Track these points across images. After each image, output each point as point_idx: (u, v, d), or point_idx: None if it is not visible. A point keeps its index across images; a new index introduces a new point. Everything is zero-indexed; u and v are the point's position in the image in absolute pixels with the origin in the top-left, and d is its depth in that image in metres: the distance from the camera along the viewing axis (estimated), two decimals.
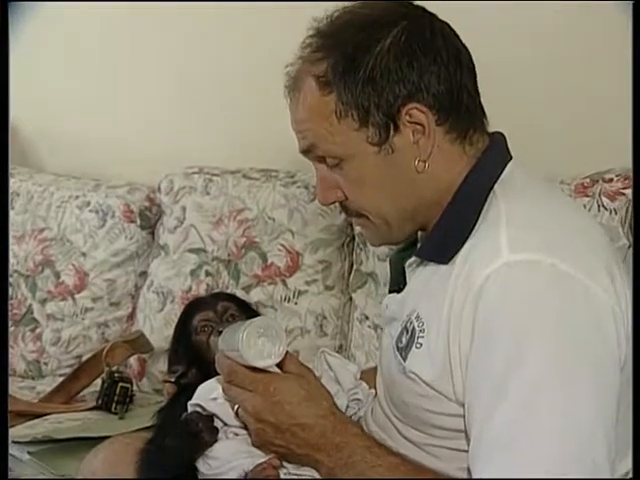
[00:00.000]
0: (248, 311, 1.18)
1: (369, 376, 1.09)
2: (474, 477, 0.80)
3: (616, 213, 1.31)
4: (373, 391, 1.05)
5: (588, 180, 1.37)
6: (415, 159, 0.91)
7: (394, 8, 0.93)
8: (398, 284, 1.01)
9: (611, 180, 1.34)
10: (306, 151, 0.96)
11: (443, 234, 0.91)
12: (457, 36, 0.94)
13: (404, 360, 0.90)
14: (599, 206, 1.32)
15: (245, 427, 0.94)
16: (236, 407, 0.94)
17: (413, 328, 0.90)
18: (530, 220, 0.86)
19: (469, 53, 0.94)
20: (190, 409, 1.00)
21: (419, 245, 1.00)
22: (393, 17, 0.91)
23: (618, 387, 0.80)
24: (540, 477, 0.75)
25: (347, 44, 0.90)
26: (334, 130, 0.91)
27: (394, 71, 0.89)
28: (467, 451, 0.85)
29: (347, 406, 1.01)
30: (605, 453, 0.77)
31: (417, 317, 0.90)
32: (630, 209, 1.29)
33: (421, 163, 0.91)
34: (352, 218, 1.02)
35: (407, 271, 0.99)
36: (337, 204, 0.99)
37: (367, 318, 1.57)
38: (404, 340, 0.91)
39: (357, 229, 1.61)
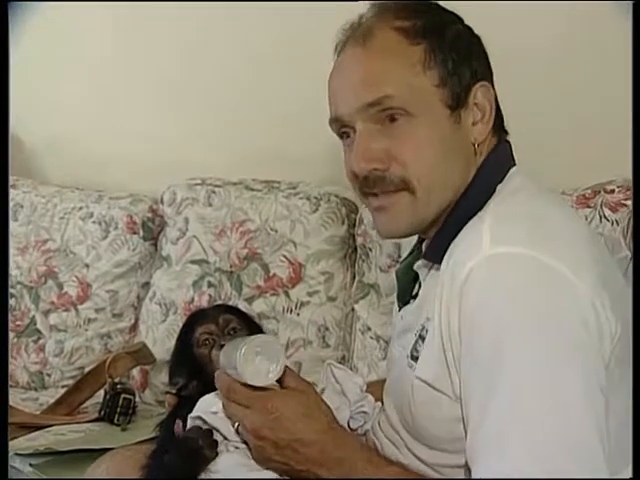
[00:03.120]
0: (250, 324, 1.18)
1: (375, 388, 1.08)
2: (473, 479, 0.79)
3: (618, 224, 1.30)
4: (379, 403, 1.04)
5: (589, 191, 1.36)
6: (472, 138, 0.93)
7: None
8: (410, 295, 1.01)
9: (612, 191, 1.34)
10: (375, 103, 0.90)
11: (442, 236, 0.92)
12: None
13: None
14: (601, 217, 1.32)
15: (245, 442, 0.94)
16: (236, 424, 0.94)
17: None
18: (514, 216, 0.87)
19: None
20: (190, 422, 1.00)
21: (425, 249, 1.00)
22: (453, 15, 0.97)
23: (604, 378, 0.79)
24: (535, 477, 0.73)
25: (430, 13, 0.94)
26: (417, 79, 0.90)
27: (473, 47, 0.94)
28: None
29: (351, 417, 1.01)
30: (599, 448, 0.75)
31: (430, 322, 0.90)
32: (632, 220, 1.29)
33: (476, 146, 0.93)
34: (379, 199, 0.94)
35: (421, 277, 0.98)
36: (369, 178, 0.93)
37: (369, 329, 1.56)
38: (420, 349, 0.91)
39: (359, 240, 1.61)
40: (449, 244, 0.89)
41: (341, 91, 0.93)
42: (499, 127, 0.97)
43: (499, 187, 0.92)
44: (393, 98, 0.90)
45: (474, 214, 0.90)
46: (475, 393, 0.80)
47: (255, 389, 0.90)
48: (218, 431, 0.96)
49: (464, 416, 0.83)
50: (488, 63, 0.96)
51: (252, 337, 0.92)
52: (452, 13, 0.96)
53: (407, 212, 0.93)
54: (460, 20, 0.96)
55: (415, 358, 0.91)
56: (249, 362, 0.88)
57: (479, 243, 0.83)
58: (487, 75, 0.95)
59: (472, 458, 0.79)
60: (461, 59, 0.92)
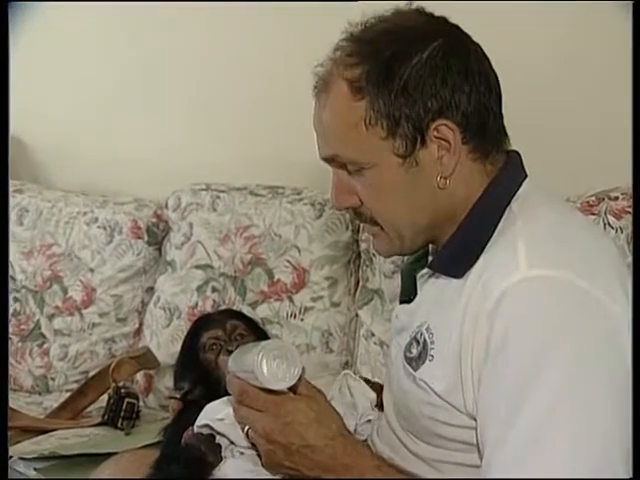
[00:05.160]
0: (257, 330, 1.18)
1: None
2: None
3: (622, 231, 1.31)
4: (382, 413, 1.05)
5: (594, 198, 1.37)
6: (437, 175, 0.91)
7: (432, 23, 0.93)
8: (409, 294, 1.01)
9: (617, 198, 1.34)
10: (328, 159, 0.96)
11: (457, 248, 0.92)
12: (488, 59, 0.95)
13: (414, 370, 0.91)
14: (605, 224, 1.32)
15: (254, 447, 0.95)
16: (246, 428, 0.94)
17: (424, 340, 0.90)
18: (547, 236, 0.87)
19: (497, 77, 0.95)
20: (197, 430, 1.00)
21: (431, 257, 1.01)
22: (431, 32, 0.91)
23: (631, 401, 0.80)
24: None
25: (384, 52, 0.89)
26: (361, 137, 0.90)
27: (428, 85, 0.89)
28: (474, 466, 0.85)
29: (355, 430, 1.01)
30: (624, 468, 0.77)
31: (427, 329, 0.91)
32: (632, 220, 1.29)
33: (442, 179, 0.91)
34: (365, 225, 1.02)
35: (418, 282, 0.99)
36: (350, 210, 0.99)
37: (373, 335, 1.57)
38: (414, 351, 0.92)
39: (363, 246, 1.61)
40: (463, 258, 0.90)
41: (316, 138, 0.97)
42: (501, 140, 0.96)
43: (515, 202, 0.92)
44: (342, 156, 0.93)
45: (489, 227, 0.90)
46: (499, 410, 0.80)
47: (268, 392, 0.90)
48: (225, 437, 0.96)
49: (478, 430, 0.84)
50: (459, 90, 0.90)
51: (267, 341, 0.92)
52: (424, 37, 0.90)
53: (386, 242, 0.98)
54: (427, 45, 0.89)
55: (409, 359, 0.92)
56: (267, 365, 0.88)
57: (514, 263, 0.83)
58: (452, 108, 0.89)
59: (491, 472, 0.79)
60: (412, 102, 0.88)
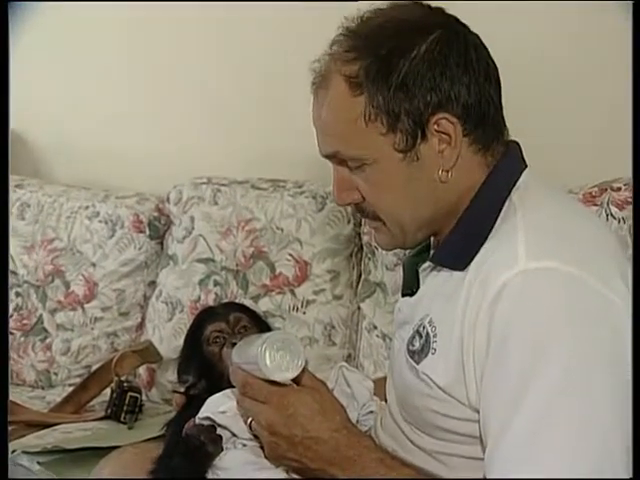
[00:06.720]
0: (260, 323, 1.18)
1: (378, 385, 1.09)
2: None
3: (624, 222, 1.31)
4: (384, 404, 1.05)
5: (596, 189, 1.36)
6: (438, 168, 0.91)
7: (429, 16, 0.93)
8: (411, 287, 1.01)
9: (619, 189, 1.34)
10: (329, 156, 0.95)
11: (458, 241, 0.92)
12: (486, 49, 0.94)
13: (417, 363, 0.90)
14: (607, 215, 1.32)
15: (256, 439, 0.95)
16: (249, 420, 0.94)
17: (427, 333, 0.90)
18: (547, 228, 0.87)
19: (496, 67, 0.94)
20: (198, 422, 1.00)
21: (433, 250, 1.01)
22: (428, 25, 0.90)
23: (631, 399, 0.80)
24: None
25: (381, 47, 0.89)
26: (360, 133, 0.90)
27: (427, 79, 0.88)
28: (478, 459, 0.85)
29: (357, 421, 1.01)
30: (624, 462, 0.77)
31: (430, 322, 0.91)
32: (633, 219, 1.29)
33: (444, 173, 0.91)
34: (367, 220, 1.01)
35: (420, 275, 0.99)
36: (352, 206, 0.99)
37: (375, 327, 1.57)
38: (417, 344, 0.92)
39: (365, 239, 1.61)
40: (464, 251, 0.89)
41: (315, 134, 0.96)
42: (501, 131, 0.95)
43: (515, 193, 0.92)
44: (342, 153, 0.93)
45: (490, 219, 0.90)
46: (499, 408, 0.80)
47: (271, 384, 0.90)
48: (227, 429, 0.96)
49: (481, 423, 0.84)
50: (459, 82, 0.89)
51: (271, 333, 0.92)
52: (422, 30, 0.90)
53: (388, 237, 0.97)
54: (425, 38, 0.89)
55: (412, 352, 0.92)
56: (271, 357, 0.88)
57: (514, 256, 0.83)
58: (452, 100, 0.89)
59: (493, 464, 0.79)
60: (411, 97, 0.88)
